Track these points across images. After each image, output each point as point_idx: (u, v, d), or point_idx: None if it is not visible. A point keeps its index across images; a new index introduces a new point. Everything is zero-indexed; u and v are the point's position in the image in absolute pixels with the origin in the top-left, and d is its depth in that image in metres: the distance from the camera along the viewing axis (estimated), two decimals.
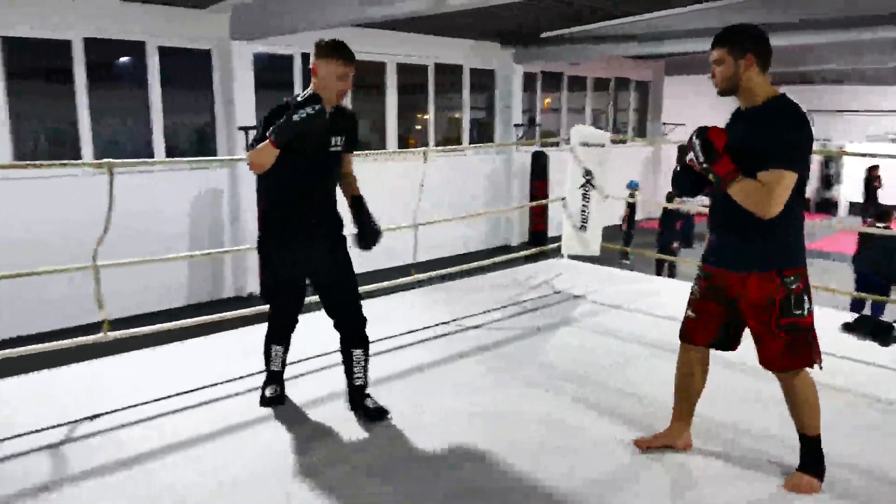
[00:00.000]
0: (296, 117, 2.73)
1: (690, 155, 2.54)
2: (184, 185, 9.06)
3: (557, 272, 5.78)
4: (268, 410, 3.22)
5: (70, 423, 3.10)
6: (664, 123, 16.96)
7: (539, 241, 11.81)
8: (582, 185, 5.45)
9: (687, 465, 2.80)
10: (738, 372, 3.44)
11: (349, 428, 3.07)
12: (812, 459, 2.60)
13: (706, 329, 2.74)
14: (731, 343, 2.75)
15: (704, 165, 2.49)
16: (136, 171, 8.07)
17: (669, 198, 10.06)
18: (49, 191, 7.78)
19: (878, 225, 7.05)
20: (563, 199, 5.73)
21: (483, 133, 13.59)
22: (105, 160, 3.71)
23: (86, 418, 3.13)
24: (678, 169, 2.73)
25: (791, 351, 2.52)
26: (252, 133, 5.95)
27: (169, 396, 3.35)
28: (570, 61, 13.82)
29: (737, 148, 2.47)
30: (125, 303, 6.53)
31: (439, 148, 11.87)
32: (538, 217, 13.18)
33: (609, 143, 5.45)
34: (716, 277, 2.66)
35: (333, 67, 2.89)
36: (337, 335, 3.13)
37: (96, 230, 3.66)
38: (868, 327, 4.28)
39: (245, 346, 3.78)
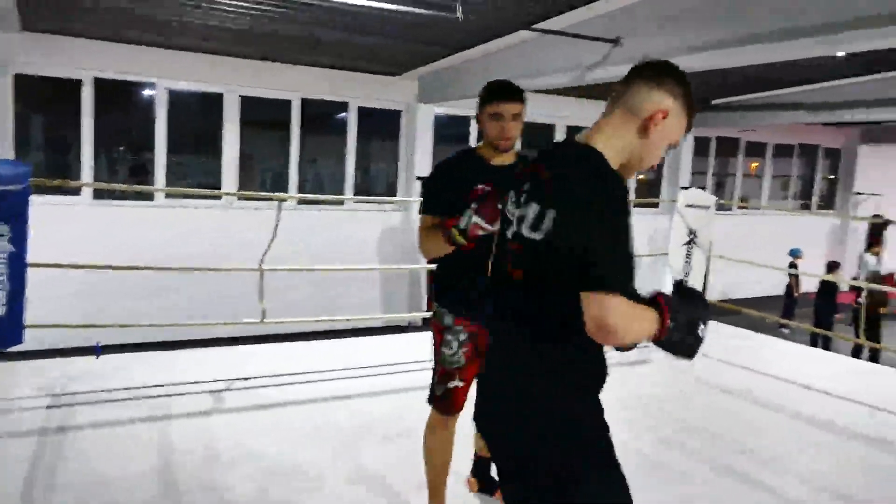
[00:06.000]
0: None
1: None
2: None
3: None
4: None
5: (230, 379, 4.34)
6: (857, 193, 16.03)
7: None
8: (685, 244, 5.91)
9: None
10: None
11: None
12: None
13: (466, 396, 2.56)
14: None
15: None
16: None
17: (829, 269, 9.77)
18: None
19: None
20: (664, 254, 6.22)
21: (650, 193, 13.92)
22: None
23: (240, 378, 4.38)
24: None
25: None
26: None
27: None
28: (741, 129, 13.79)
29: None
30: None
31: None
32: None
33: (714, 206, 5.87)
34: (479, 336, 2.54)
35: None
36: None
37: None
38: None
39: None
